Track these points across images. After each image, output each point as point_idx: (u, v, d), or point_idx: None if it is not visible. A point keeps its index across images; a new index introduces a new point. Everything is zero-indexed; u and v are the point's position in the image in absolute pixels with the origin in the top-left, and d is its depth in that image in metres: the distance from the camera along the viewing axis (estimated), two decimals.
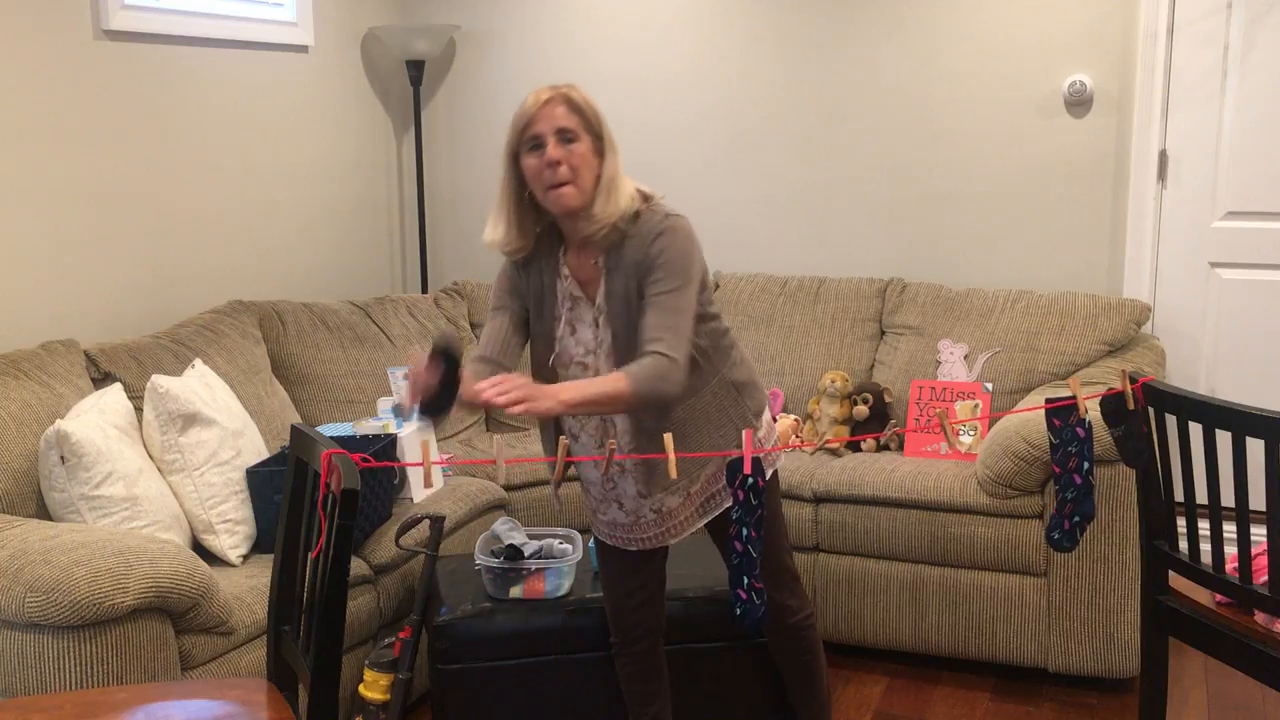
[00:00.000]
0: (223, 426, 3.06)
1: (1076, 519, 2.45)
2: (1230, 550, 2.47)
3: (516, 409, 2.11)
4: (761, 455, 2.41)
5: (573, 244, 2.42)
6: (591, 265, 2.40)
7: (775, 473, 2.59)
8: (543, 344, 2.47)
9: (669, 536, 2.56)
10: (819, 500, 3.46)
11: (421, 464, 2.12)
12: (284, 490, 2.24)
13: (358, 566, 3.03)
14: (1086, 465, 2.41)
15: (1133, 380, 2.49)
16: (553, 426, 2.52)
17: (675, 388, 2.27)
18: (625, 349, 2.36)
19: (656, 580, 2.67)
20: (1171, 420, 2.50)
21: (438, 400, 2.17)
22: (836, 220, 4.28)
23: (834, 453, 3.71)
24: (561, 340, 2.43)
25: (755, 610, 2.31)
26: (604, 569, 2.68)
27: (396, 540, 3.02)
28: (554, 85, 2.36)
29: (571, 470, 2.65)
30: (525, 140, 2.32)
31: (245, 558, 3.04)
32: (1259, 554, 2.54)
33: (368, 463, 2.19)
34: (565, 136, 2.30)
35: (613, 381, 2.23)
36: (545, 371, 2.47)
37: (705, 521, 2.57)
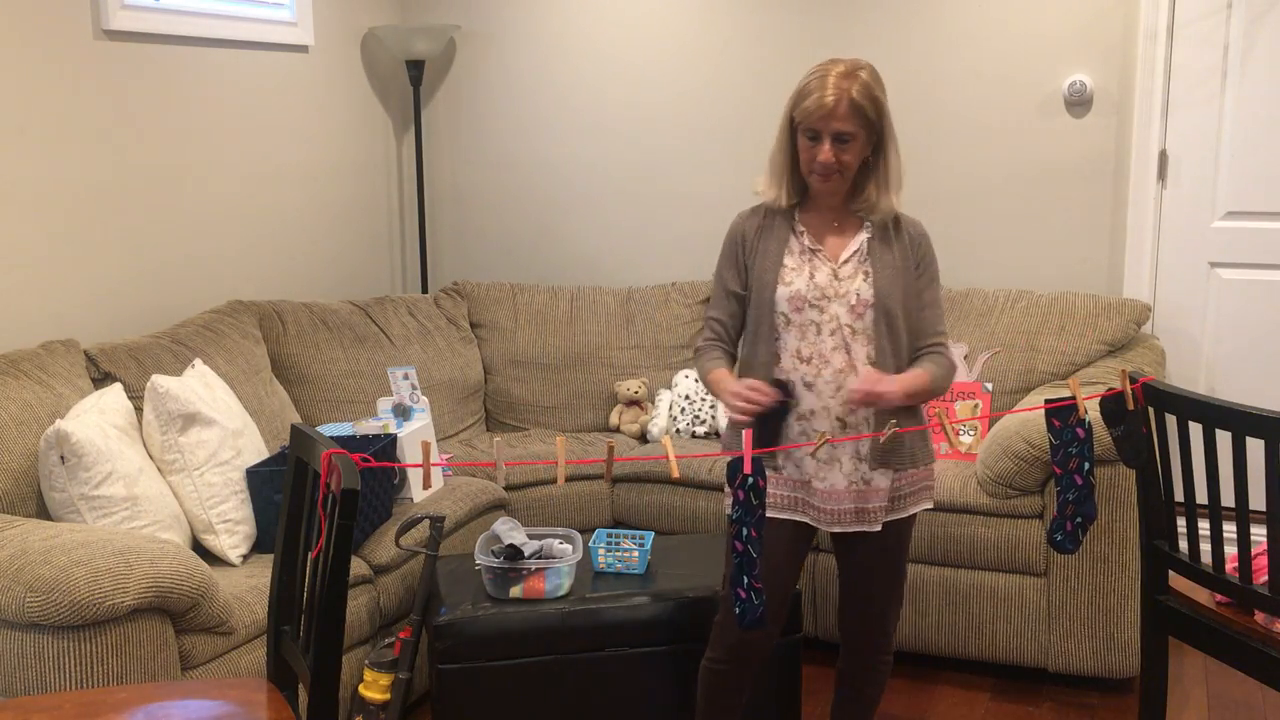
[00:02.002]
0: (223, 426, 3.06)
1: (1078, 520, 2.45)
2: (1230, 550, 2.47)
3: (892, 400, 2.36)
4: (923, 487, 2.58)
5: (815, 201, 2.52)
6: (834, 226, 2.51)
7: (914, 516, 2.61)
8: (759, 290, 2.51)
9: (893, 510, 2.53)
10: None
11: (421, 464, 2.13)
12: (284, 490, 2.24)
13: (358, 566, 3.03)
14: (1087, 466, 2.41)
15: (1133, 380, 2.48)
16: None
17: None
18: (884, 314, 2.46)
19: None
20: (1171, 420, 2.50)
21: (770, 431, 2.45)
22: None
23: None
24: (791, 285, 2.47)
25: (754, 610, 2.32)
26: (769, 567, 2.51)
27: (396, 540, 3.02)
28: (847, 71, 2.39)
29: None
30: (804, 127, 2.40)
31: (245, 558, 3.04)
32: (1259, 554, 2.54)
33: (368, 463, 2.19)
34: (841, 138, 2.39)
35: (921, 376, 2.45)
36: (762, 316, 2.49)
37: (893, 517, 2.54)
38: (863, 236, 2.49)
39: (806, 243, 2.50)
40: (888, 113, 2.44)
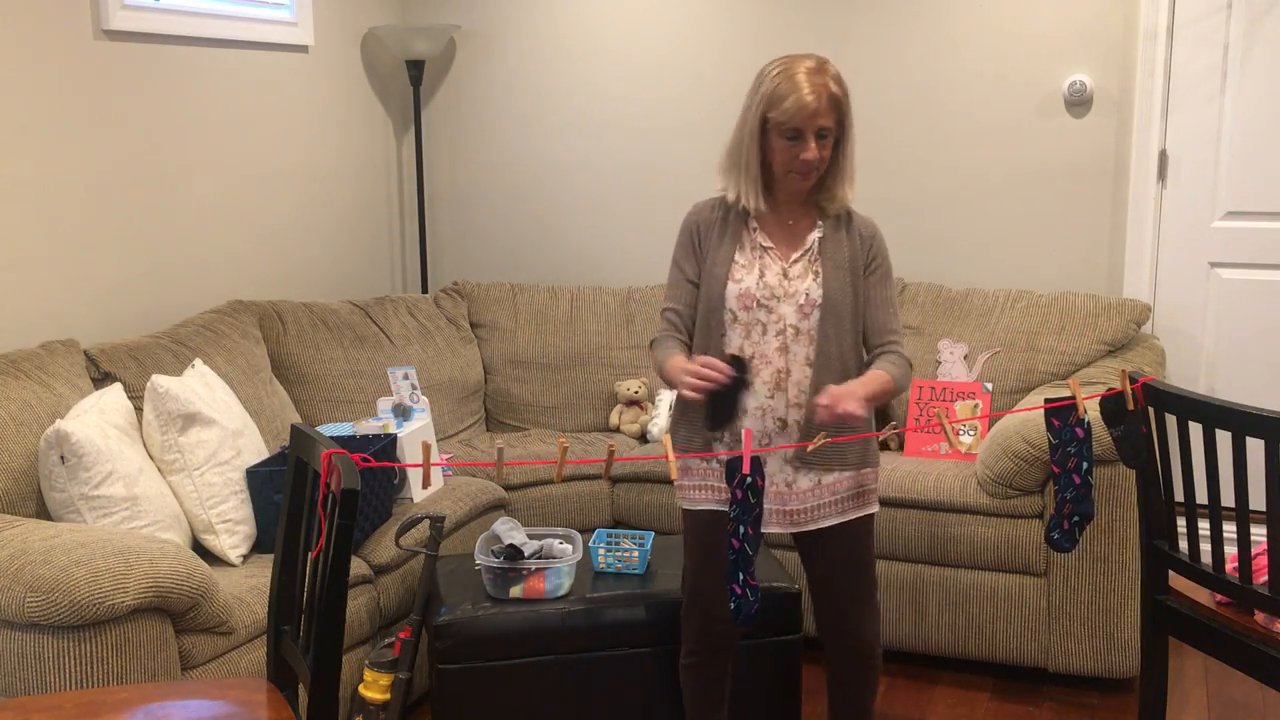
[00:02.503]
0: (223, 426, 3.06)
1: (1076, 519, 2.45)
2: (1230, 550, 2.46)
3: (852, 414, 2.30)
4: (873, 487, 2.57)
5: (771, 203, 2.51)
6: (788, 224, 2.50)
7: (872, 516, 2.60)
8: (709, 284, 2.50)
9: (817, 516, 2.53)
10: None
11: (421, 464, 2.13)
12: (284, 490, 2.24)
13: (358, 566, 3.03)
14: (1086, 465, 2.41)
15: (1133, 380, 2.48)
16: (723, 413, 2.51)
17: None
18: (832, 314, 2.45)
19: None
20: (1171, 420, 2.50)
21: (726, 408, 2.43)
22: None
23: None
24: (741, 283, 2.46)
25: (749, 606, 2.33)
26: (711, 556, 2.56)
27: (396, 540, 3.01)
28: (817, 66, 2.40)
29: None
30: (784, 129, 2.39)
31: (245, 558, 3.04)
32: (1259, 554, 2.53)
33: (368, 463, 2.19)
34: (822, 134, 2.40)
35: (882, 377, 2.43)
36: (710, 311, 2.48)
37: (843, 519, 2.53)
38: (814, 235, 2.49)
39: (759, 240, 2.49)
40: (850, 105, 2.47)
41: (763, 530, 2.47)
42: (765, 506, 2.49)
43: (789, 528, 2.54)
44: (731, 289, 2.47)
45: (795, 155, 2.40)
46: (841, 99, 2.41)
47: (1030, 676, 3.38)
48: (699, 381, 2.34)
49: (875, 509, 2.59)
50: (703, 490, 2.56)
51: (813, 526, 2.53)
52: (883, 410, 3.78)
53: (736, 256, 2.49)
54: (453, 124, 4.80)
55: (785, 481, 2.51)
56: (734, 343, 2.48)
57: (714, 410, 2.44)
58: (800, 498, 2.51)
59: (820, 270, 2.46)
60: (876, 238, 2.54)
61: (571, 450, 3.87)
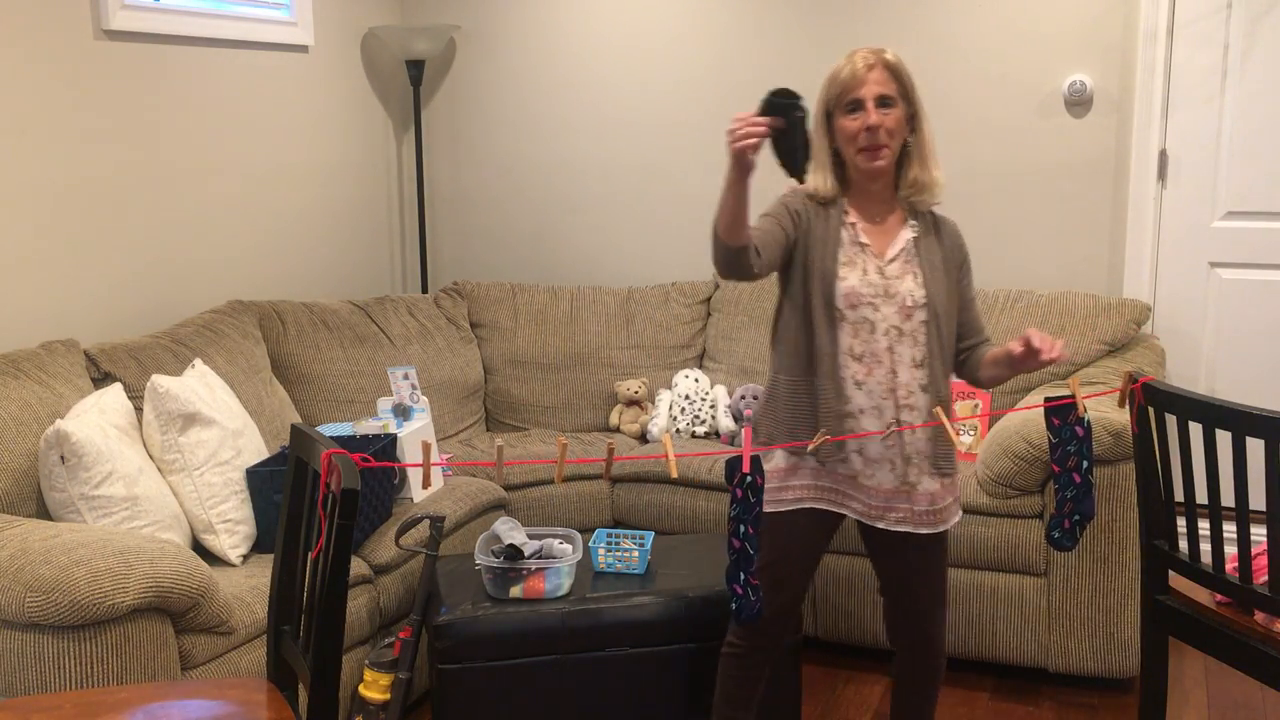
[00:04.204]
0: (223, 426, 3.06)
1: (1076, 518, 2.45)
2: (1230, 550, 2.47)
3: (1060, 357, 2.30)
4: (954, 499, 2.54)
5: (858, 195, 2.48)
6: (878, 221, 2.47)
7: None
8: (820, 280, 2.43)
9: (947, 517, 2.49)
10: None
11: (421, 464, 2.13)
12: (284, 490, 2.24)
13: (358, 566, 3.03)
14: (1086, 464, 2.41)
15: (1133, 380, 2.49)
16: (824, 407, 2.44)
17: None
18: (935, 315, 2.43)
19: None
20: (1171, 420, 2.50)
21: (797, 143, 2.26)
22: None
23: None
24: (845, 280, 2.42)
25: (751, 606, 2.33)
26: (792, 557, 2.51)
27: (396, 540, 3.02)
28: (873, 48, 2.42)
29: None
30: (844, 103, 2.39)
31: (245, 558, 3.04)
32: (1259, 554, 2.54)
33: (368, 463, 2.19)
34: (883, 102, 2.38)
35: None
36: (821, 307, 2.42)
37: (938, 529, 2.49)
38: (908, 234, 2.46)
39: (857, 236, 2.45)
40: (918, 92, 2.46)
41: (887, 527, 2.45)
42: (887, 504, 2.45)
43: (918, 527, 2.46)
44: (839, 286, 2.41)
45: (860, 126, 2.37)
46: (900, 69, 2.41)
47: (1030, 676, 3.38)
48: (747, 129, 2.17)
49: (961, 514, 2.58)
50: (794, 491, 2.50)
51: (943, 527, 2.49)
52: None
53: (839, 254, 2.44)
54: (453, 124, 4.80)
55: (911, 480, 2.44)
56: (843, 343, 2.42)
57: (788, 151, 2.27)
58: (929, 499, 2.46)
59: (919, 271, 2.43)
60: (962, 240, 2.54)
61: (571, 450, 3.87)
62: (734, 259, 2.30)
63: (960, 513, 2.56)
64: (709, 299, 4.34)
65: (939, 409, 2.41)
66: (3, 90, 3.19)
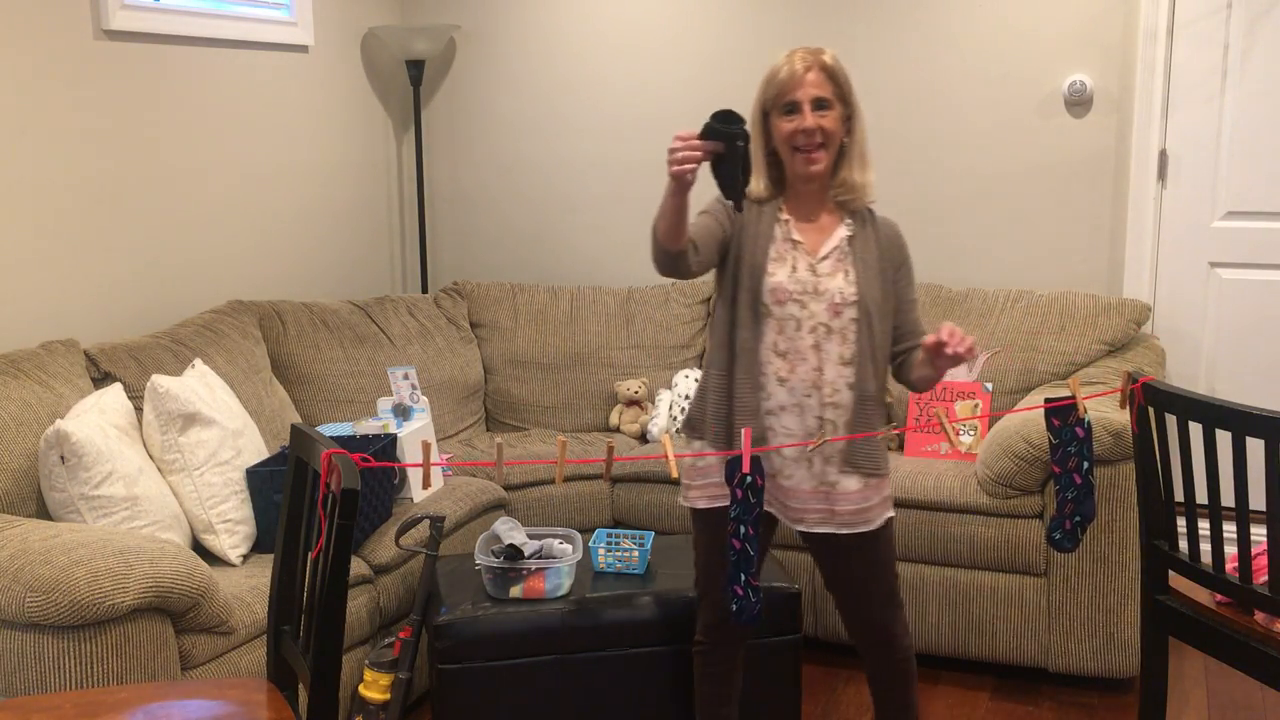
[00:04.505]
0: (223, 426, 3.06)
1: (1077, 519, 2.45)
2: (1230, 550, 2.47)
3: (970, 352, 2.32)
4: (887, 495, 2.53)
5: (794, 194, 2.50)
6: (812, 220, 2.49)
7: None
8: (748, 276, 2.45)
9: (870, 516, 2.49)
10: None
11: (421, 464, 2.13)
12: (284, 490, 2.24)
13: (358, 566, 3.03)
14: (1086, 465, 2.41)
15: (1133, 380, 2.49)
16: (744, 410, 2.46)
17: None
18: (865, 313, 2.44)
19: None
20: (1171, 420, 2.50)
21: (736, 168, 2.24)
22: None
23: None
24: (773, 276, 2.44)
25: (750, 607, 2.33)
26: (720, 552, 2.52)
27: (396, 540, 3.02)
28: (811, 49, 2.42)
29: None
30: (780, 104, 2.40)
31: (245, 558, 3.04)
32: (1259, 554, 2.54)
33: (368, 463, 2.19)
34: (820, 104, 2.39)
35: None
36: (747, 302, 2.44)
37: (865, 529, 2.48)
38: (843, 233, 2.47)
39: (790, 233, 2.48)
40: (855, 93, 2.46)
41: (809, 530, 2.47)
42: (805, 506, 2.47)
43: (840, 528, 2.47)
44: (767, 281, 2.44)
45: (795, 128, 2.39)
46: (836, 71, 2.41)
47: (1030, 676, 3.38)
48: (685, 153, 2.17)
49: (892, 513, 2.57)
50: (702, 489, 2.54)
51: (865, 528, 2.48)
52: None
53: (769, 249, 2.46)
54: (453, 124, 4.80)
55: (831, 481, 2.46)
56: (768, 338, 2.44)
57: (727, 175, 2.25)
58: (849, 499, 2.46)
59: (851, 269, 2.45)
60: (902, 241, 2.53)
61: (571, 450, 3.87)
62: (672, 261, 2.38)
63: (891, 512, 2.52)
64: (709, 299, 4.34)
65: (940, 412, 2.41)
66: (3, 90, 3.19)
